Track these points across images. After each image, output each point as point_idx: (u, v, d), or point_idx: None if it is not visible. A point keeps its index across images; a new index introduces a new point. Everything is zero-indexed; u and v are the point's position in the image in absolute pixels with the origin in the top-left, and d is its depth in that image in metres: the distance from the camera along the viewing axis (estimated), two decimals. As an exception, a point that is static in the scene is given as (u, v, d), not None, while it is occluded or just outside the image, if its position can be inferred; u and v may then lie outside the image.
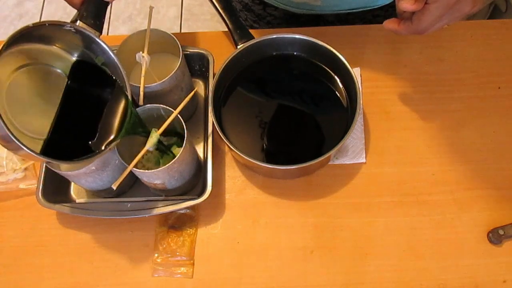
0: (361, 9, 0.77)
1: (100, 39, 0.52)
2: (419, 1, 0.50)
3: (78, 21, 0.51)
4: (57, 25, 0.49)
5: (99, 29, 0.53)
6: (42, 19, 1.76)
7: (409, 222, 0.63)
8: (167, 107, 0.56)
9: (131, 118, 0.54)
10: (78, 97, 0.53)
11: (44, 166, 0.62)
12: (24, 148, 0.43)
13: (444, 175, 0.65)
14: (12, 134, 0.42)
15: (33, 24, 0.46)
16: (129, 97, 0.54)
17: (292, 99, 0.67)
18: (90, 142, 0.51)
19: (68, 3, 0.53)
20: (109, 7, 0.55)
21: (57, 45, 0.52)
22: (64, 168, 0.55)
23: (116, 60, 0.53)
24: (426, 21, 0.52)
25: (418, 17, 0.52)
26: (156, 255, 0.62)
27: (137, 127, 0.55)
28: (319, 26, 0.77)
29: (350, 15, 0.79)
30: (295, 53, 0.68)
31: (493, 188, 0.64)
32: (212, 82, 0.63)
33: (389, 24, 0.57)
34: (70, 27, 0.50)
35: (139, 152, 0.54)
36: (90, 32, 0.51)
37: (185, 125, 0.55)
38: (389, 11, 0.79)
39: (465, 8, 0.51)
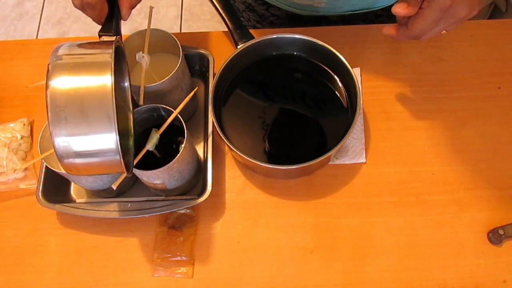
0: (363, 10, 0.77)
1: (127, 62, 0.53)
2: (412, 6, 0.50)
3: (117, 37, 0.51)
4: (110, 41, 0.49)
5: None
6: (42, 19, 1.77)
7: (409, 222, 0.63)
8: (167, 107, 0.56)
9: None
10: None
11: (44, 166, 0.62)
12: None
13: (444, 175, 0.65)
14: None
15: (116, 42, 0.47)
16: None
17: (292, 99, 0.67)
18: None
19: (94, 17, 0.51)
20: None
21: None
22: None
23: (128, 83, 0.55)
24: (421, 26, 0.51)
25: (413, 22, 0.52)
26: (156, 255, 0.62)
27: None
28: (319, 26, 0.77)
29: (352, 15, 0.79)
30: (295, 53, 0.68)
31: (493, 188, 0.64)
32: (212, 82, 0.63)
33: (387, 30, 0.57)
34: (119, 42, 0.50)
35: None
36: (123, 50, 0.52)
37: (185, 125, 0.55)
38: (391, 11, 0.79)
39: (460, 12, 0.50)
